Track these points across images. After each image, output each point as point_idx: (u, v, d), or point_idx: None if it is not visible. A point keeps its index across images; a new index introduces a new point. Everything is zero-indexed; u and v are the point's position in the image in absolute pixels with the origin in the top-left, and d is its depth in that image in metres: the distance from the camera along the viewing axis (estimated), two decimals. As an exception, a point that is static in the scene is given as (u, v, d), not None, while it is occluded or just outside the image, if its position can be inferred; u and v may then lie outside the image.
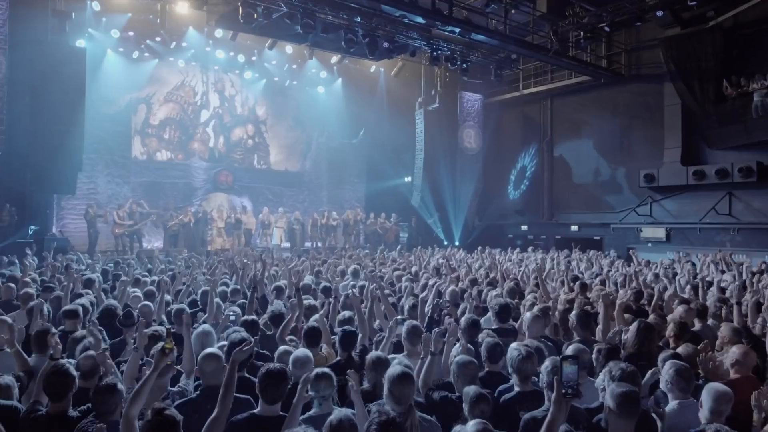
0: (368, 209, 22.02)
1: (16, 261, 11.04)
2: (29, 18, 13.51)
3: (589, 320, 5.13)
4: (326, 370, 3.56)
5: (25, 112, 13.25)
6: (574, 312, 5.19)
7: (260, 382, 3.11)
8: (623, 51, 18.93)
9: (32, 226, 13.95)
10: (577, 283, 8.30)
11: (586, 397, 3.80)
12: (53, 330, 4.42)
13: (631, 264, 13.00)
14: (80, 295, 6.48)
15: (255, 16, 12.30)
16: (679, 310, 6.31)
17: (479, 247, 15.67)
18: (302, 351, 3.91)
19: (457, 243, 21.27)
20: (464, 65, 16.55)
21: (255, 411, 3.11)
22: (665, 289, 8.43)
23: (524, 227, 21.97)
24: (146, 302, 6.15)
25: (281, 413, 3.14)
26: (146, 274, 9.92)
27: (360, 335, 4.80)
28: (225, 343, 4.11)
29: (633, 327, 4.80)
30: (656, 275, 10.19)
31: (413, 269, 11.04)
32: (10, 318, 5.72)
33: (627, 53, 18.91)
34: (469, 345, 4.26)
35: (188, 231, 17.38)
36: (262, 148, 22.05)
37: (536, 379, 3.93)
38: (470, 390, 3.21)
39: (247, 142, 21.69)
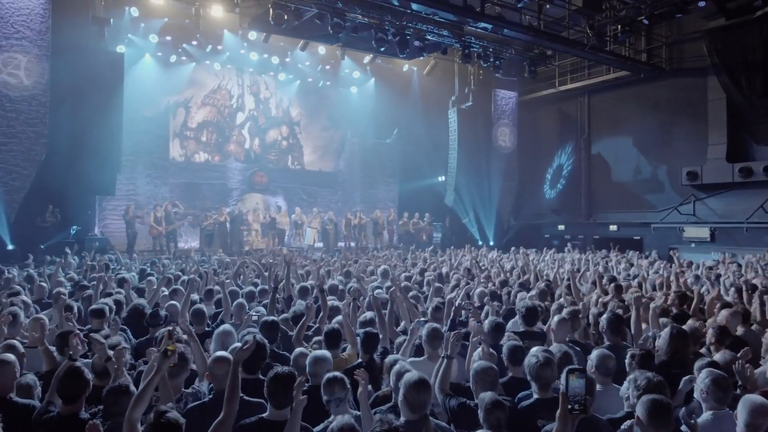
0: (402, 209, 21.95)
1: (57, 260, 11.38)
2: (70, 25, 13.91)
3: (621, 324, 4.91)
4: (337, 373, 3.49)
5: (66, 116, 13.68)
6: (604, 315, 4.97)
7: (267, 385, 3.06)
8: (664, 44, 18.30)
9: (74, 227, 14.41)
10: (612, 284, 8.02)
11: (611, 406, 3.63)
12: (77, 331, 4.48)
13: (672, 265, 12.54)
14: (110, 294, 6.59)
15: (285, 17, 12.37)
16: (722, 313, 6.01)
17: (512, 248, 15.39)
18: (322, 352, 3.86)
19: (491, 243, 20.96)
20: (497, 62, 16.26)
21: (263, 415, 3.05)
22: (707, 292, 8.07)
23: (561, 227, 21.47)
24: (173, 302, 6.21)
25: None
26: (179, 273, 10.06)
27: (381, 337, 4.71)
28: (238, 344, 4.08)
29: (665, 333, 4.58)
30: (697, 277, 9.77)
31: (443, 270, 10.88)
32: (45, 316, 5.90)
33: (668, 47, 18.26)
34: (491, 350, 4.10)
35: (223, 231, 17.63)
36: (296, 149, 22.25)
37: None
38: (485, 396, 3.08)
39: (282, 144, 21.93)
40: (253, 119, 21.29)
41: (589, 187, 21.12)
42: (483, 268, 11.12)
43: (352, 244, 19.76)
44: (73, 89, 13.79)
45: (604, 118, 20.66)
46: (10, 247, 13.45)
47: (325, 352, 3.88)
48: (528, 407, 3.44)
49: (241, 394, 3.32)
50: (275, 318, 4.87)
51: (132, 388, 3.04)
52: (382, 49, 14.33)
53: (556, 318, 4.86)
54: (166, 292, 7.20)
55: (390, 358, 4.03)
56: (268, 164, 21.43)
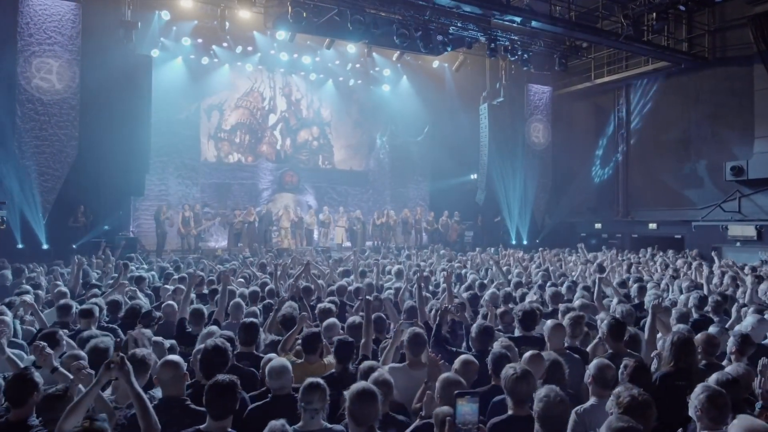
0: (433, 208, 21.67)
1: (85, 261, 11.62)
2: (99, 29, 14.24)
3: (623, 330, 4.52)
4: (320, 380, 3.23)
5: (95, 119, 13.99)
6: (605, 320, 4.60)
7: (205, 394, 2.88)
8: (706, 32, 17.31)
9: (104, 227, 14.74)
10: (636, 285, 7.55)
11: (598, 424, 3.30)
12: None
13: (713, 266, 11.84)
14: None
15: (304, 14, 12.27)
16: (748, 319, 5.52)
17: (539, 249, 14.87)
18: (279, 360, 3.62)
19: (525, 242, 20.43)
20: (525, 56, 15.72)
21: (201, 427, 2.87)
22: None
23: (598, 225, 20.69)
24: (170, 302, 6.16)
25: (230, 430, 2.89)
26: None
27: (363, 342, 4.47)
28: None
29: (667, 340, 4.20)
30: (733, 278, 9.14)
31: (463, 271, 10.56)
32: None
33: (710, 34, 17.26)
34: (471, 358, 3.77)
35: (252, 230, 17.74)
36: (326, 149, 22.24)
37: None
38: (441, 412, 2.81)
39: (312, 144, 21.95)
40: (284, 120, 21.40)
41: (627, 184, 20.26)
42: (506, 268, 10.75)
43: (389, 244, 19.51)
44: (102, 92, 14.06)
45: (643, 111, 19.76)
46: (45, 246, 13.89)
47: (282, 361, 3.61)
48: (499, 425, 3.13)
49: (188, 402, 3.18)
50: (255, 320, 4.71)
51: (70, 393, 2.91)
52: (405, 44, 14.01)
53: (549, 322, 4.52)
54: (170, 291, 7.19)
55: (364, 364, 3.81)
56: (298, 164, 21.49)
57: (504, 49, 15.61)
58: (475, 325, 4.56)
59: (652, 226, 18.77)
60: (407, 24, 13.53)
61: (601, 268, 11.34)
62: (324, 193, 21.74)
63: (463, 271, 10.69)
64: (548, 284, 8.06)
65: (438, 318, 4.56)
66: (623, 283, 8.13)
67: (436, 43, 14.04)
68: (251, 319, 4.64)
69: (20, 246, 13.54)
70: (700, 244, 16.40)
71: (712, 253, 12.81)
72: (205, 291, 7.65)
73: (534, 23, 14.30)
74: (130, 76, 14.63)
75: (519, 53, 15.52)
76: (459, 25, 14.29)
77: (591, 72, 20.41)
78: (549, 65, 19.36)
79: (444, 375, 3.32)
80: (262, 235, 18.16)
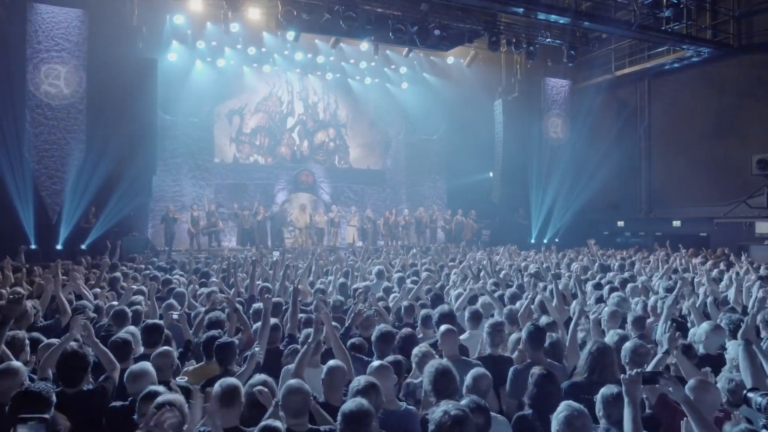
0: (450, 206, 21.29)
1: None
2: (106, 35, 14.52)
3: (543, 337, 4.20)
4: (158, 389, 3.07)
5: (103, 122, 14.28)
6: (525, 327, 4.29)
7: (10, 400, 2.76)
8: (731, 18, 16.34)
9: (114, 228, 15.09)
10: (607, 287, 7.11)
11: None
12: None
13: (733, 265, 11.12)
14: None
15: (295, 13, 12.20)
16: (703, 326, 5.05)
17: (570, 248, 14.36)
18: (140, 365, 3.49)
19: (545, 240, 19.83)
20: (531, 48, 15.18)
21: (10, 434, 2.76)
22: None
23: (620, 223, 19.88)
24: (114, 302, 6.16)
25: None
26: (182, 273, 10.15)
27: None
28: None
29: (585, 348, 3.86)
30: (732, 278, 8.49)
31: (453, 271, 10.24)
32: None
33: (735, 20, 16.28)
34: (338, 364, 3.48)
35: (262, 229, 17.83)
36: (342, 150, 22.18)
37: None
38: (265, 426, 2.61)
39: (329, 145, 21.94)
40: (302, 123, 21.47)
41: (650, 180, 19.36)
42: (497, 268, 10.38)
43: (397, 242, 19.30)
44: (109, 96, 14.32)
45: (666, 104, 18.84)
46: (58, 247, 14.34)
47: (144, 365, 3.48)
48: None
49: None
50: (157, 321, 4.62)
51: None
52: (401, 40, 13.74)
53: (441, 328, 4.21)
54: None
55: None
56: (314, 164, 21.52)
57: (508, 42, 15.12)
58: (376, 329, 4.29)
59: (676, 223, 17.89)
60: (403, 19, 13.26)
61: (603, 268, 10.86)
62: (340, 192, 21.68)
63: (453, 271, 10.36)
64: (515, 285, 7.68)
65: (348, 320, 4.34)
66: (599, 285, 7.66)
67: (434, 38, 13.69)
68: (154, 321, 4.56)
69: (33, 246, 14.02)
70: (726, 242, 15.49)
71: (725, 250, 12.04)
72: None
73: (538, 14, 13.80)
74: (136, 80, 14.89)
75: (524, 46, 14.99)
76: (461, 18, 13.91)
77: (611, 64, 19.61)
78: (567, 58, 18.69)
79: (288, 382, 3.08)
80: (276, 234, 18.24)
